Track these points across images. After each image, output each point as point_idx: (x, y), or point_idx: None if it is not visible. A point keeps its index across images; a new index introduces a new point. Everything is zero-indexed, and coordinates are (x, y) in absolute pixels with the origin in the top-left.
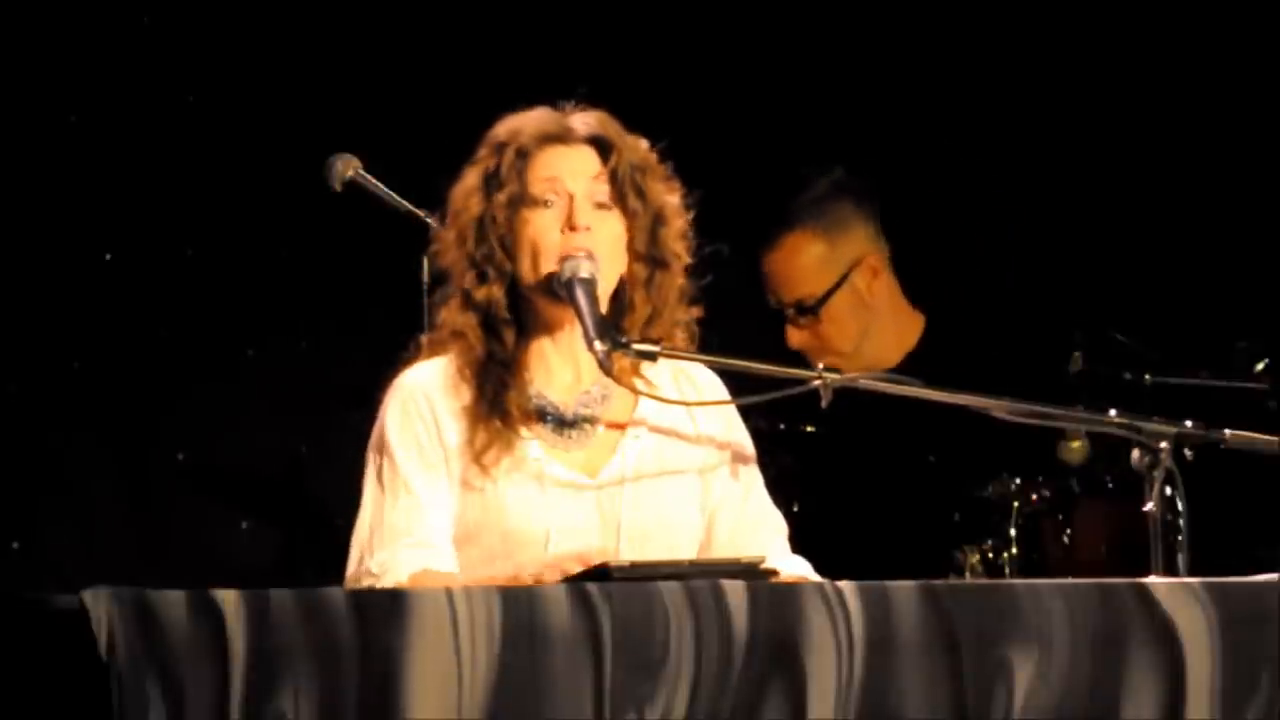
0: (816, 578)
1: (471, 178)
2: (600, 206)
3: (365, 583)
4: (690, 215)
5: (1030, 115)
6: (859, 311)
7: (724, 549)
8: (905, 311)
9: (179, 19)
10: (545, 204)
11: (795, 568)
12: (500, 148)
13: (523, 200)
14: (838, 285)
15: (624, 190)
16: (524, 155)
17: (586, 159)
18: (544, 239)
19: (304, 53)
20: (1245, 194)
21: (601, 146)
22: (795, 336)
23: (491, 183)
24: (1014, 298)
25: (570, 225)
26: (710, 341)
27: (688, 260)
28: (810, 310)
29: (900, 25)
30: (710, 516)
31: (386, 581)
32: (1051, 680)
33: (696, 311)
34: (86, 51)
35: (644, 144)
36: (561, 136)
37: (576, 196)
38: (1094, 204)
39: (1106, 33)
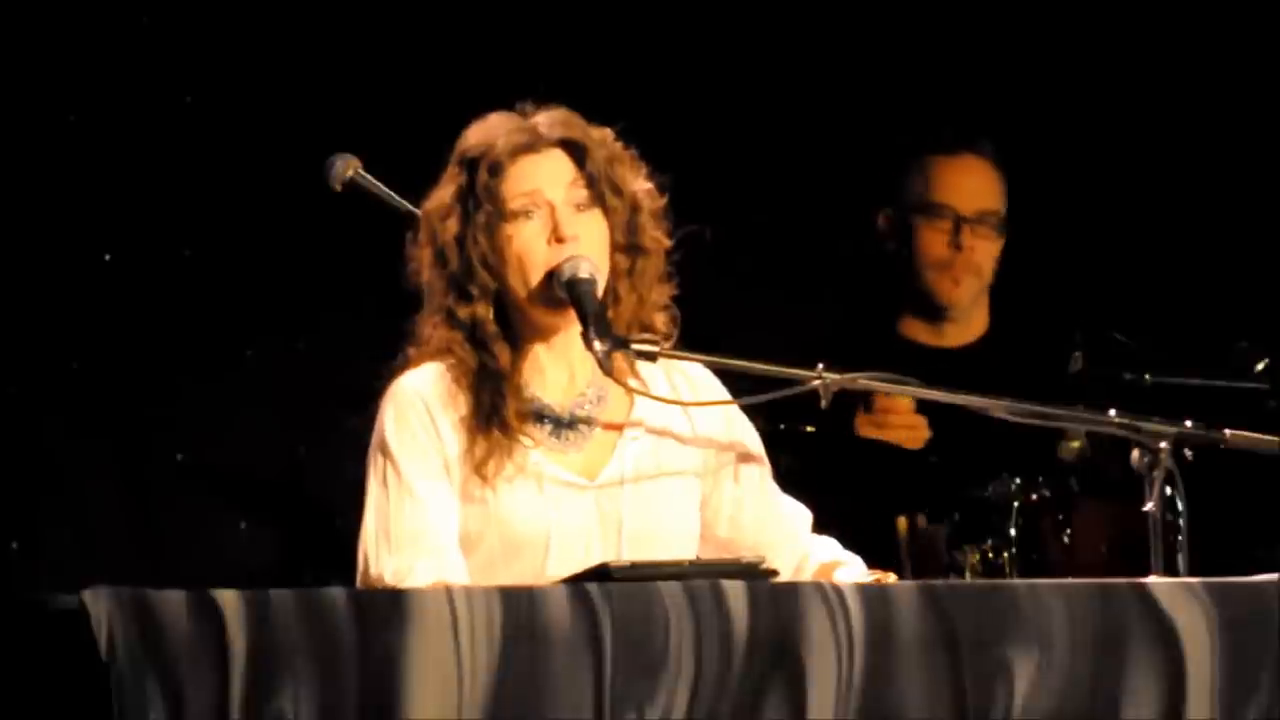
0: (851, 556)
1: (445, 195)
2: (581, 209)
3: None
4: (664, 197)
5: (1029, 116)
6: (990, 268)
7: (751, 546)
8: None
9: (179, 19)
10: (526, 216)
11: (828, 549)
12: (471, 164)
13: (503, 216)
14: (1006, 220)
15: (601, 190)
16: (497, 170)
17: (560, 164)
18: (530, 252)
19: (303, 53)
20: (1245, 195)
21: (572, 148)
22: (968, 238)
23: (467, 201)
24: (1014, 298)
25: (557, 238)
26: (698, 334)
27: (667, 243)
28: (988, 223)
29: (895, 22)
30: (730, 518)
31: None
32: (1051, 680)
33: (671, 289)
34: (86, 51)
35: (609, 133)
36: (531, 145)
37: (557, 205)
38: (1094, 204)
39: (1106, 33)
